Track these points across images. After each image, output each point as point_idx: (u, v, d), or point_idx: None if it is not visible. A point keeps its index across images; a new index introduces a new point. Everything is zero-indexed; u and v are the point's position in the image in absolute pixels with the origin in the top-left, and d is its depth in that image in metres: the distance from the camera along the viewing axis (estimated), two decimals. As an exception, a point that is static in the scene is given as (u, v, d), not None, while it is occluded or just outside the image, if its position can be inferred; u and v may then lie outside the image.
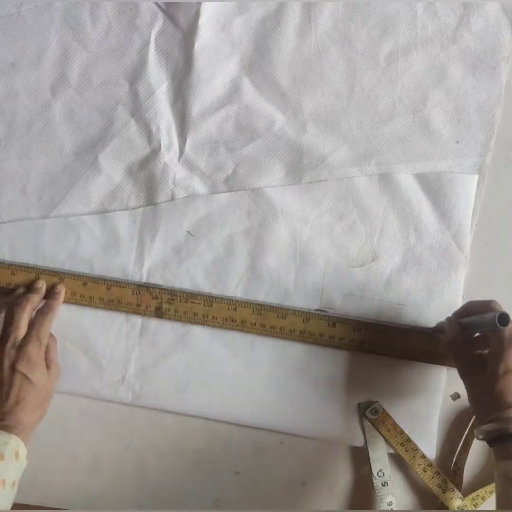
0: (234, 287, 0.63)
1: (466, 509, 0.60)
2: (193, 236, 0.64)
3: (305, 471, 0.62)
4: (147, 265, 0.64)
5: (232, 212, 0.64)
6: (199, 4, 0.65)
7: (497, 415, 0.50)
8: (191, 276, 0.63)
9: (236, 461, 0.62)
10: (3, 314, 0.60)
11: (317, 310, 0.63)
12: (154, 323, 0.63)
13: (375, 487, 0.61)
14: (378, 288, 0.63)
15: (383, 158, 0.63)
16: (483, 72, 0.63)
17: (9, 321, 0.58)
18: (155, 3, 0.65)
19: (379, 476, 0.61)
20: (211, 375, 0.62)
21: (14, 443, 0.53)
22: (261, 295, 0.63)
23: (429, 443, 0.61)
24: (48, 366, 0.59)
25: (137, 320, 0.63)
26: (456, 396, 0.61)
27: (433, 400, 0.62)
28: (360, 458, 0.62)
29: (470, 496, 0.61)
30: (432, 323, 0.62)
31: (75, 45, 0.66)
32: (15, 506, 0.62)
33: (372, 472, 0.61)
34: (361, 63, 0.64)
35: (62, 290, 0.62)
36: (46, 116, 0.65)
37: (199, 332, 0.63)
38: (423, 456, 0.60)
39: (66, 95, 0.65)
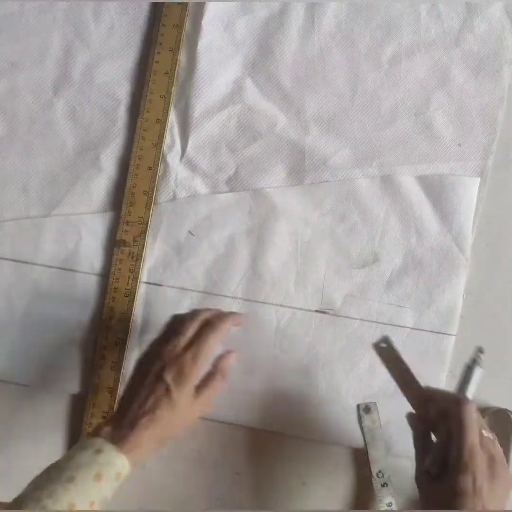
0: (235, 287, 0.63)
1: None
2: (194, 236, 0.64)
3: (305, 471, 0.63)
4: (148, 264, 0.64)
5: (233, 213, 0.64)
6: (203, 4, 0.65)
7: None
8: (192, 276, 0.63)
9: (236, 461, 0.63)
10: (171, 320, 0.56)
11: (317, 311, 0.63)
12: (154, 323, 0.63)
13: (375, 488, 0.61)
14: (378, 289, 0.63)
15: (385, 160, 0.64)
16: (486, 75, 0.63)
17: (175, 327, 0.54)
18: (157, 3, 0.65)
19: (379, 477, 0.61)
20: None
21: (121, 464, 0.48)
22: (261, 296, 0.63)
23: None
24: (199, 392, 0.53)
25: (138, 319, 0.63)
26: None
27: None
28: (359, 459, 0.62)
29: None
30: (432, 325, 0.62)
31: (78, 44, 0.65)
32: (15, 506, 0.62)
33: (371, 473, 0.61)
34: (364, 65, 0.64)
35: (236, 317, 0.57)
36: (48, 114, 0.65)
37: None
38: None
39: (68, 94, 0.65)
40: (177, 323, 0.55)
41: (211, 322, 0.55)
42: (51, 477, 0.46)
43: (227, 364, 0.56)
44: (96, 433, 0.50)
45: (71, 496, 0.45)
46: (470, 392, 0.52)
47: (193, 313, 0.56)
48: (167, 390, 0.51)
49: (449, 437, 0.49)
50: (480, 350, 0.53)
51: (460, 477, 0.47)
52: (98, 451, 0.48)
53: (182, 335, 0.53)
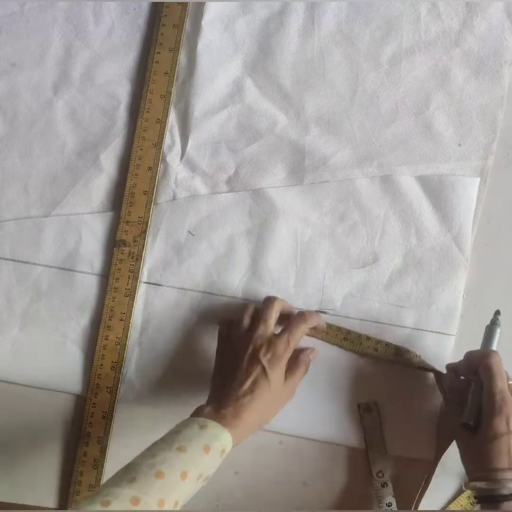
0: (235, 287, 0.63)
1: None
2: (194, 236, 0.64)
3: (305, 471, 0.62)
4: (148, 264, 0.64)
5: (233, 213, 0.64)
6: (203, 4, 0.65)
7: (484, 475, 0.51)
8: (192, 276, 0.63)
9: (236, 461, 0.62)
10: (251, 309, 0.60)
11: (317, 311, 0.63)
12: (154, 323, 0.63)
13: (375, 488, 0.61)
14: (378, 289, 0.63)
15: (385, 160, 0.64)
16: (486, 75, 0.63)
17: (260, 314, 0.58)
18: (157, 3, 0.65)
19: (379, 477, 0.61)
20: (211, 374, 0.62)
21: (225, 440, 0.50)
22: (261, 296, 0.63)
23: (428, 444, 0.62)
24: (286, 378, 0.56)
25: (138, 319, 0.63)
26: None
27: (433, 400, 0.62)
28: (359, 459, 0.62)
29: None
30: (432, 325, 0.62)
31: (78, 44, 0.65)
32: (15, 506, 0.62)
33: (371, 473, 0.61)
34: (364, 65, 0.64)
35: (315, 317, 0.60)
36: (48, 114, 0.65)
37: (198, 332, 0.63)
38: (368, 338, 0.62)
39: (68, 94, 0.65)
40: (260, 311, 0.58)
41: (302, 313, 0.59)
42: (163, 447, 0.48)
43: (310, 359, 0.59)
44: (197, 413, 0.52)
45: (183, 464, 0.47)
46: (495, 346, 0.57)
47: (270, 302, 0.59)
48: (263, 371, 0.54)
49: (480, 387, 0.54)
50: (498, 313, 0.59)
51: (495, 419, 0.52)
52: (203, 427, 0.50)
53: (265, 320, 0.57)
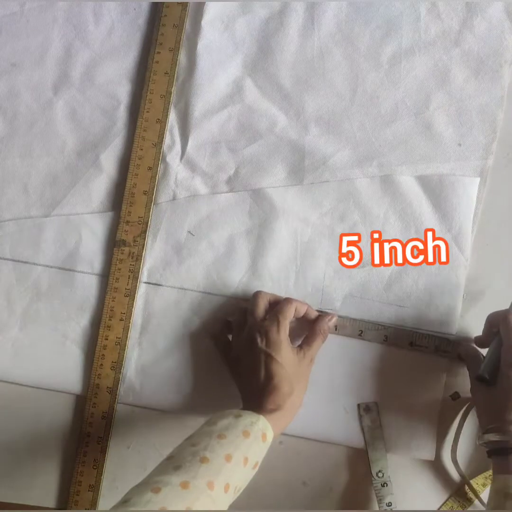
0: (235, 287, 0.63)
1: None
2: (194, 236, 0.64)
3: (305, 471, 0.62)
4: (148, 264, 0.64)
5: (233, 213, 0.64)
6: (203, 4, 0.65)
7: (498, 426, 0.51)
8: (192, 276, 0.63)
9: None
10: (241, 309, 0.61)
11: (317, 311, 0.63)
12: (154, 323, 0.63)
13: (375, 488, 0.61)
14: (378, 289, 0.63)
15: (385, 160, 0.64)
16: (486, 75, 0.63)
17: (248, 309, 0.59)
18: (157, 3, 0.65)
19: (379, 477, 0.61)
20: (211, 375, 0.62)
21: (262, 425, 0.51)
22: (261, 296, 0.63)
23: (428, 444, 0.62)
24: (302, 350, 0.57)
25: (138, 319, 0.63)
26: (456, 396, 0.62)
27: (433, 400, 0.62)
28: (359, 459, 0.62)
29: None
30: (432, 325, 0.62)
31: (78, 44, 0.65)
32: (15, 506, 0.62)
33: (371, 473, 0.61)
34: (364, 65, 0.64)
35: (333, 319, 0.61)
36: (48, 115, 0.65)
37: (199, 332, 0.63)
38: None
39: (68, 94, 0.65)
40: (245, 310, 0.60)
41: (286, 297, 0.59)
42: (202, 437, 0.49)
43: (327, 326, 0.60)
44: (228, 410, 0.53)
45: (225, 448, 0.48)
46: None
47: (253, 298, 0.60)
48: (268, 356, 0.55)
49: (500, 342, 0.55)
50: None
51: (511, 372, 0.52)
52: (238, 416, 0.51)
53: (256, 311, 0.58)
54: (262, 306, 0.59)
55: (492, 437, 0.51)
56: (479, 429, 0.56)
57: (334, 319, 0.61)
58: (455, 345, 0.61)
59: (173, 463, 0.46)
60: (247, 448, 0.49)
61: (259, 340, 0.56)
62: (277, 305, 0.59)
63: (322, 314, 0.61)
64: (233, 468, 0.47)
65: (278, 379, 0.54)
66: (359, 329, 0.62)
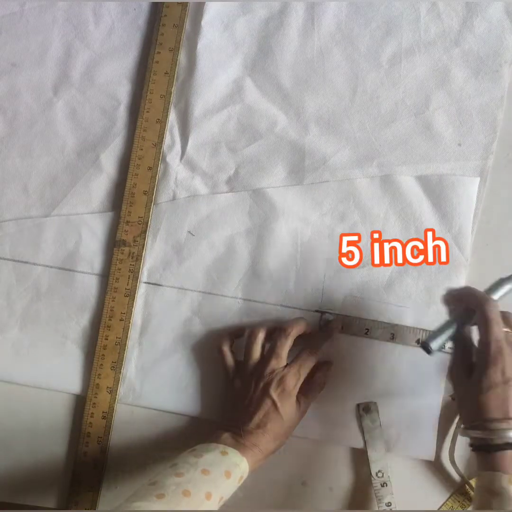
0: (235, 287, 0.63)
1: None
2: (194, 236, 0.64)
3: (305, 471, 0.62)
4: (148, 264, 0.64)
5: (233, 213, 0.64)
6: (203, 4, 0.65)
7: (479, 424, 0.50)
8: (192, 276, 0.63)
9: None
10: (262, 337, 0.60)
11: (317, 311, 0.63)
12: (154, 323, 0.63)
13: (374, 488, 0.61)
14: (378, 289, 0.63)
15: (385, 160, 0.64)
16: (486, 75, 0.63)
17: (272, 347, 0.58)
18: (157, 3, 0.65)
19: (378, 477, 0.61)
20: (211, 375, 0.62)
21: (244, 467, 0.53)
22: (261, 296, 0.63)
23: (428, 444, 0.62)
24: (299, 402, 0.58)
25: (138, 319, 0.63)
26: (456, 396, 0.62)
27: (433, 400, 0.62)
28: (359, 459, 0.62)
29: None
30: (432, 325, 0.62)
31: (78, 44, 0.65)
32: (15, 506, 0.62)
33: (371, 473, 0.61)
34: (364, 65, 0.64)
35: (336, 327, 0.61)
36: (48, 115, 0.65)
37: (198, 332, 0.63)
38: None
39: (68, 94, 0.65)
40: (272, 343, 0.59)
41: (313, 344, 0.59)
42: (187, 468, 0.50)
43: (325, 378, 0.61)
44: (215, 437, 0.55)
45: (207, 485, 0.49)
46: (497, 296, 0.54)
47: (282, 331, 0.59)
48: (274, 405, 0.56)
49: (460, 323, 0.53)
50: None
51: (490, 369, 0.50)
52: (224, 453, 0.52)
53: (278, 355, 0.57)
54: (287, 347, 0.58)
55: (474, 434, 0.51)
56: (459, 421, 0.55)
57: (330, 370, 0.61)
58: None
59: (156, 490, 0.47)
60: (225, 488, 0.50)
61: (274, 385, 0.56)
62: (301, 351, 0.59)
63: (320, 366, 0.60)
64: (210, 506, 0.48)
65: (271, 427, 0.55)
66: (365, 327, 0.62)
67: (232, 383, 0.60)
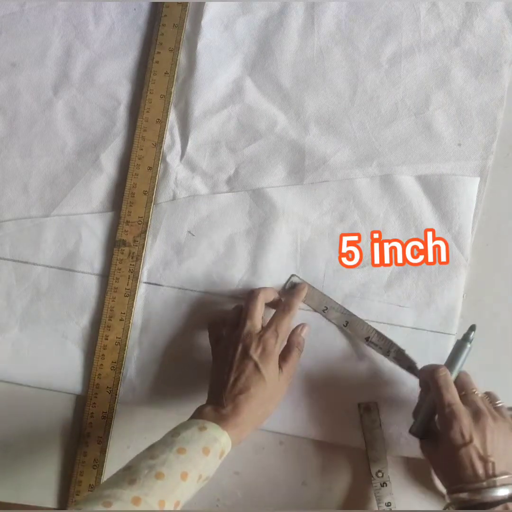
0: (235, 287, 0.63)
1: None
2: (194, 236, 0.64)
3: (305, 471, 0.63)
4: (148, 264, 0.64)
5: (233, 212, 0.64)
6: (203, 4, 0.65)
7: (461, 486, 0.51)
8: (192, 276, 0.63)
9: (236, 461, 0.63)
10: (240, 307, 0.60)
11: (316, 310, 0.63)
12: (154, 323, 0.63)
13: (374, 488, 0.61)
14: (378, 289, 0.63)
15: (385, 160, 0.64)
16: (486, 75, 0.63)
17: (244, 311, 0.58)
18: (157, 3, 0.65)
19: (378, 477, 0.61)
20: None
21: (224, 442, 0.51)
22: (261, 296, 0.63)
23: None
24: (281, 368, 0.56)
25: (138, 319, 0.63)
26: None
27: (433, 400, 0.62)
28: (359, 459, 0.62)
29: None
30: (432, 325, 0.62)
31: (78, 44, 0.65)
32: (15, 506, 0.62)
33: (370, 473, 0.61)
34: (364, 65, 0.64)
35: (304, 289, 0.62)
36: (48, 115, 0.65)
37: (198, 332, 0.63)
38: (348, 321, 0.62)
39: (68, 94, 0.65)
40: (244, 308, 0.59)
41: (286, 302, 0.59)
42: (162, 449, 0.49)
43: (302, 338, 0.60)
44: (197, 414, 0.53)
45: (183, 465, 0.47)
46: (459, 363, 0.56)
47: (252, 296, 0.59)
48: (256, 367, 0.54)
49: (431, 401, 0.55)
50: (473, 328, 0.57)
51: (449, 433, 0.52)
52: (203, 429, 0.51)
53: (251, 315, 0.57)
54: (259, 308, 0.58)
55: (463, 496, 0.51)
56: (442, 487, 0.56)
57: (306, 329, 0.60)
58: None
59: (130, 475, 0.46)
60: (204, 466, 0.49)
61: (253, 347, 0.55)
62: (276, 312, 0.59)
63: (294, 329, 0.60)
64: (187, 486, 0.47)
65: (255, 391, 0.54)
66: (324, 306, 0.63)
67: (215, 352, 0.60)
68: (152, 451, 0.49)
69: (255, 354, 0.55)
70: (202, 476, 0.49)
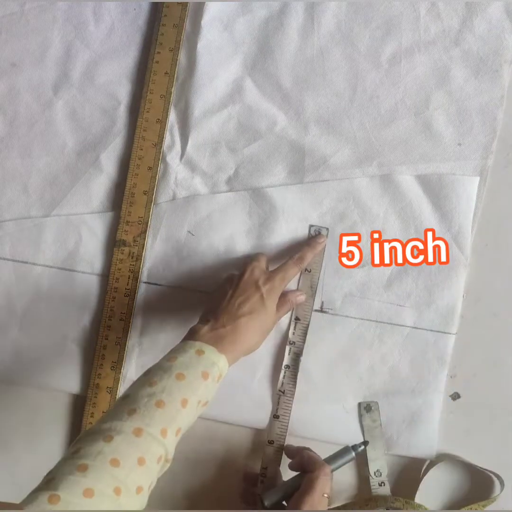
0: (235, 287, 0.63)
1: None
2: (194, 235, 0.64)
3: (305, 471, 0.63)
4: (148, 264, 0.64)
5: (233, 212, 0.64)
6: (202, 4, 0.65)
7: None
8: (192, 275, 0.63)
9: (235, 460, 0.63)
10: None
11: (316, 310, 0.63)
12: (154, 323, 0.63)
13: (372, 487, 0.61)
14: (378, 289, 0.63)
15: (385, 160, 0.64)
16: (486, 75, 0.63)
17: (251, 258, 0.60)
18: (157, 3, 0.65)
19: (376, 476, 0.61)
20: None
21: (222, 365, 0.51)
22: (261, 295, 0.63)
23: (429, 444, 0.62)
24: (279, 306, 0.58)
25: (138, 319, 0.63)
26: (456, 396, 0.62)
27: (433, 400, 0.62)
28: (359, 459, 0.62)
29: None
30: (432, 324, 0.62)
31: (78, 44, 0.65)
32: (15, 506, 0.62)
33: (369, 472, 0.61)
34: (364, 65, 0.64)
35: (321, 243, 0.63)
36: (48, 115, 0.65)
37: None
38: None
39: (68, 94, 0.65)
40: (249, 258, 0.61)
41: (300, 255, 0.61)
42: (161, 375, 0.48)
43: (297, 299, 0.61)
44: (193, 334, 0.53)
45: (183, 391, 0.47)
46: (337, 465, 0.57)
47: (257, 253, 0.62)
48: (262, 297, 0.56)
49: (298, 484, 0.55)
50: (364, 443, 0.59)
51: None
52: (200, 352, 0.50)
53: (261, 259, 0.60)
54: (265, 258, 0.61)
55: None
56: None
57: (302, 297, 0.62)
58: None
59: (129, 404, 0.45)
60: (203, 391, 0.49)
61: (262, 280, 0.57)
62: (287, 261, 0.60)
63: (292, 290, 0.62)
64: (187, 412, 0.47)
65: (257, 317, 0.55)
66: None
67: (219, 287, 0.60)
68: (150, 377, 0.48)
69: (264, 287, 0.56)
70: (201, 401, 0.49)
